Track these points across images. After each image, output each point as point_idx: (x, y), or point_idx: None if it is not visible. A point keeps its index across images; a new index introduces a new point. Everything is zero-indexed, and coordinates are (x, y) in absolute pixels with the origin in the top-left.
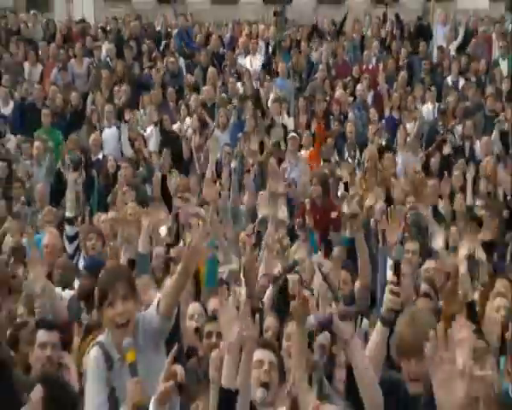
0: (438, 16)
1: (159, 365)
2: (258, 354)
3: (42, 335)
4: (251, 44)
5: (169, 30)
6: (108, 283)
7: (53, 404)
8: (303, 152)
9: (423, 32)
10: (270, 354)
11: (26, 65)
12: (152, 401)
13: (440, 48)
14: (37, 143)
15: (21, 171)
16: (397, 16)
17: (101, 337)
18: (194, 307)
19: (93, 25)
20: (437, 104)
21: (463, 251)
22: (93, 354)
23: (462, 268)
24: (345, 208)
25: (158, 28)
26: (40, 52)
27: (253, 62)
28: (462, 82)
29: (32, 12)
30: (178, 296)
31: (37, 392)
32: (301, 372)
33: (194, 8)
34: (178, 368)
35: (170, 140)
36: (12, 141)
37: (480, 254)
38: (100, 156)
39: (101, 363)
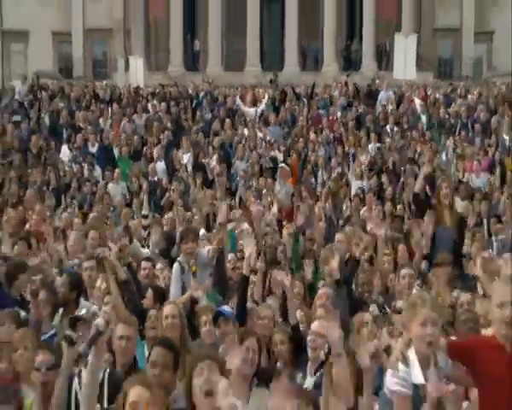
0: (381, 84)
1: (205, 276)
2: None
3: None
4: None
5: (197, 92)
6: (185, 232)
7: (158, 298)
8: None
9: (372, 95)
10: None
11: (101, 120)
12: None
13: (383, 106)
14: (116, 171)
15: (103, 188)
16: (354, 84)
17: (179, 258)
18: (231, 256)
19: (144, 89)
20: (378, 144)
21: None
22: (175, 266)
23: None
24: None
25: (189, 91)
26: (110, 109)
27: (254, 114)
28: (395, 129)
29: (104, 82)
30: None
31: (150, 294)
32: None
33: (213, 74)
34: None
35: (200, 167)
36: (98, 170)
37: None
38: (155, 178)
39: (178, 270)
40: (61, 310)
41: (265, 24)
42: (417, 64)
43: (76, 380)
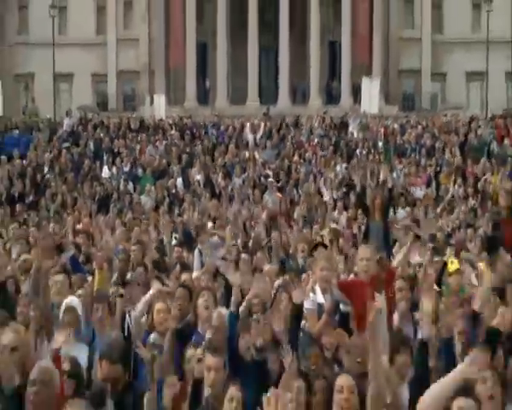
0: (351, 116)
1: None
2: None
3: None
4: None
5: (205, 123)
6: (198, 227)
7: (183, 268)
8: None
9: (344, 125)
10: None
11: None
12: None
13: (352, 133)
14: (147, 187)
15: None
16: (331, 117)
17: (198, 246)
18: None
19: (165, 120)
20: (345, 164)
21: None
22: (196, 251)
23: None
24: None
25: (201, 122)
26: (139, 138)
27: (252, 140)
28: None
29: (134, 114)
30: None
31: (178, 267)
32: None
33: (220, 107)
34: None
35: (209, 182)
36: (130, 185)
37: None
38: (173, 191)
39: (198, 253)
40: (115, 275)
41: (263, 66)
42: (385, 98)
43: (127, 316)
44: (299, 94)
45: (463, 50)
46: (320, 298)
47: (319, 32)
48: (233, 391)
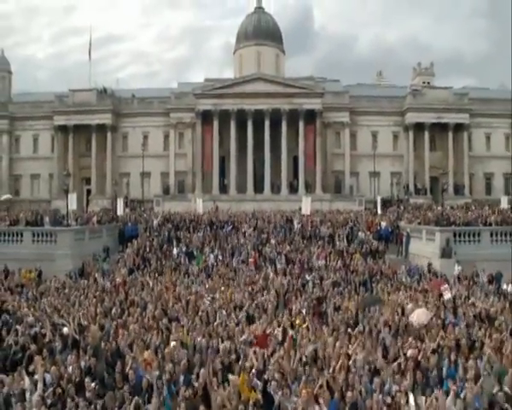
0: (295, 215)
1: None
2: None
3: None
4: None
5: (221, 220)
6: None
7: None
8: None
9: (291, 220)
10: None
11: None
12: None
13: (295, 226)
14: (194, 261)
15: (190, 267)
16: (286, 216)
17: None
18: None
19: (203, 212)
20: (289, 247)
21: None
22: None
23: None
24: None
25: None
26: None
27: (245, 232)
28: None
29: (184, 199)
30: None
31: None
32: None
33: (232, 194)
34: None
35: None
36: (186, 260)
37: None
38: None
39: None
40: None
41: (256, 171)
42: (323, 189)
43: None
44: (276, 187)
45: (367, 160)
46: None
47: (287, 151)
48: None
